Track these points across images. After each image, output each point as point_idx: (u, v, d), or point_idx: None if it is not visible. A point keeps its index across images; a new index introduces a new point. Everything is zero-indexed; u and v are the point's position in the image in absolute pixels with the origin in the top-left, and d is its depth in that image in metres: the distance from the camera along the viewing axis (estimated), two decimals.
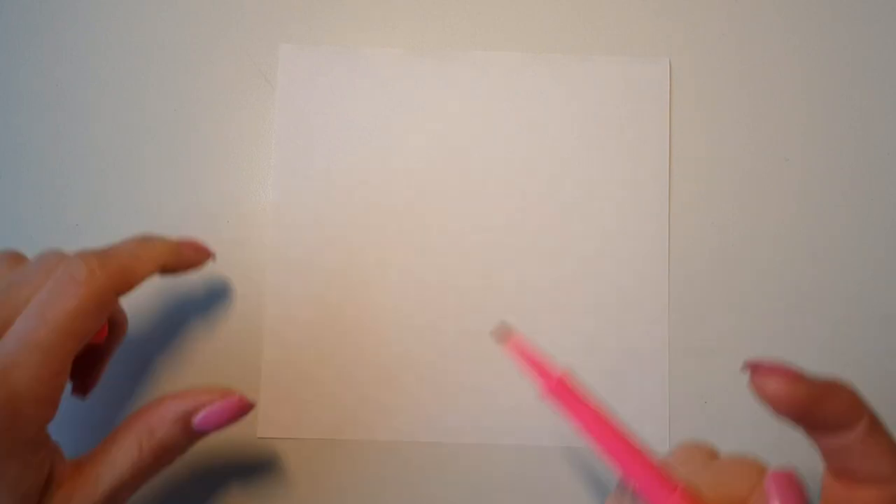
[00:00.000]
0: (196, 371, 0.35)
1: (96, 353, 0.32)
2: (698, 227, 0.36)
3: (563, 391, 0.23)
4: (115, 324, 0.32)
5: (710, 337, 0.35)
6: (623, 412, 0.25)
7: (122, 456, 0.27)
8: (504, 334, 0.25)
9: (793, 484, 0.22)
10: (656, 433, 0.34)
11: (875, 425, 0.22)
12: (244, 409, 0.29)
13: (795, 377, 0.21)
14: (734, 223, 0.36)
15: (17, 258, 0.29)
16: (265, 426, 0.34)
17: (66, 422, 0.30)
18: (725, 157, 0.36)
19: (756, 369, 0.22)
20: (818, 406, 0.21)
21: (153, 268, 0.29)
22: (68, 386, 0.28)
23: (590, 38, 0.37)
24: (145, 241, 0.30)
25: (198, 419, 0.28)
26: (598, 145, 0.36)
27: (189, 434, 0.29)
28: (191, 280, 0.35)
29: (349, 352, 0.35)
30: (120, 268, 0.28)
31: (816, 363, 0.35)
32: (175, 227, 0.36)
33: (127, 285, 0.28)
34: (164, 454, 0.28)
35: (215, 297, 0.35)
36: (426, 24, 0.37)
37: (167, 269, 0.31)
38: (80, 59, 0.37)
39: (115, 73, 0.37)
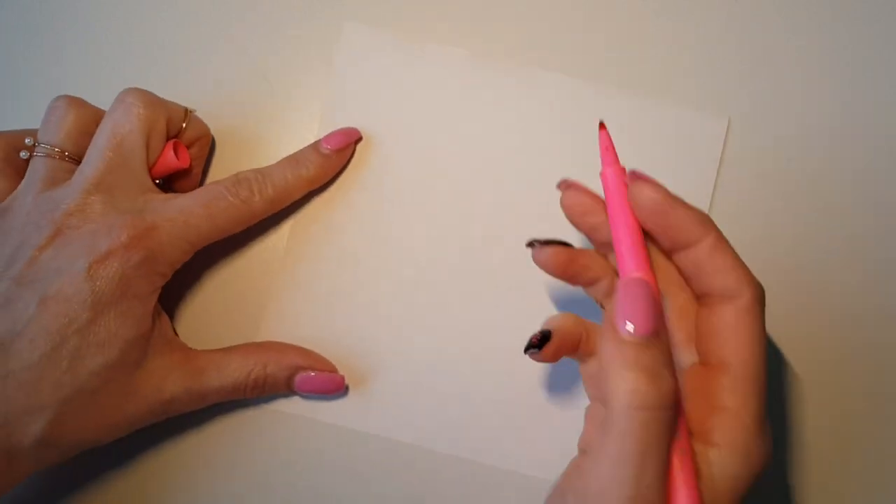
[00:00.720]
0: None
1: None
2: None
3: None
4: (196, 141, 0.35)
5: None
6: None
7: (233, 371, 0.32)
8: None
9: (643, 291, 0.23)
10: None
11: (720, 241, 0.25)
12: (339, 388, 0.34)
13: (658, 184, 0.25)
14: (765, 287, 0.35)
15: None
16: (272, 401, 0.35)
17: None
18: (765, 230, 0.36)
19: (636, 176, 0.26)
20: (674, 211, 0.25)
21: (304, 189, 0.34)
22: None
23: (652, 79, 0.37)
24: (297, 163, 0.34)
25: (300, 377, 0.33)
26: None
27: (289, 385, 0.33)
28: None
29: (357, 344, 0.35)
30: (275, 195, 0.33)
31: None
32: None
33: (278, 207, 0.33)
34: (261, 389, 0.33)
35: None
36: (494, 32, 0.37)
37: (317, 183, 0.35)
38: (80, 58, 0.37)
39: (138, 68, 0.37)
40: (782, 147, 0.36)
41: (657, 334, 0.23)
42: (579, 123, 0.36)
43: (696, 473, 0.23)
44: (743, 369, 0.23)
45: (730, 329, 0.24)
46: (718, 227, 0.26)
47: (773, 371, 0.35)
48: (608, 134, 0.27)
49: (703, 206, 0.36)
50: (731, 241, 0.35)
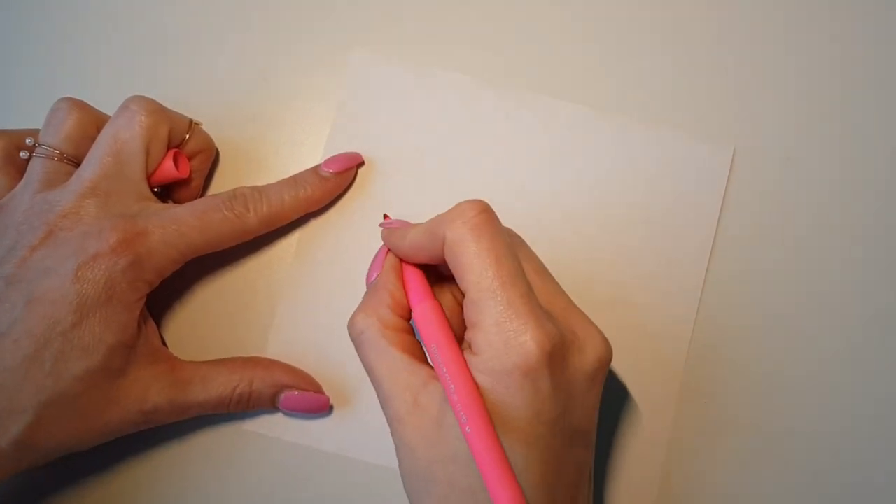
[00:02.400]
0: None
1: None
2: (727, 317, 0.35)
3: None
4: (199, 153, 0.35)
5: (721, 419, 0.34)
6: None
7: (218, 385, 0.32)
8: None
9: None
10: None
11: (417, 235, 0.29)
12: (323, 408, 0.34)
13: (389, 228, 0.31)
14: (765, 316, 0.35)
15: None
16: (252, 419, 0.35)
17: None
18: (769, 255, 0.36)
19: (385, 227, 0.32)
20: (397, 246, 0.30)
21: (301, 211, 0.34)
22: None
23: (658, 108, 0.36)
24: (295, 184, 0.34)
25: (285, 396, 0.33)
26: (644, 216, 0.36)
27: (273, 403, 0.33)
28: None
29: (354, 367, 0.33)
30: (270, 214, 0.33)
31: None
32: None
33: (272, 226, 0.33)
34: (245, 405, 0.33)
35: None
36: (498, 59, 0.37)
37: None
38: (81, 58, 0.37)
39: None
40: (787, 175, 0.36)
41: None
42: (584, 151, 0.36)
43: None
44: (471, 290, 0.26)
45: (453, 267, 0.27)
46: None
47: (785, 388, 0.35)
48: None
49: (709, 234, 0.35)
50: (737, 270, 0.35)
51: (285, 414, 0.34)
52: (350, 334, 0.29)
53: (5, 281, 0.29)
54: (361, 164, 0.36)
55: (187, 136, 0.34)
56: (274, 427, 0.34)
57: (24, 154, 0.32)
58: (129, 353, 0.30)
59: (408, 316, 0.29)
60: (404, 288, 0.29)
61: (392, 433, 0.27)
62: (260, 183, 0.34)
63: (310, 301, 0.35)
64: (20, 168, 0.32)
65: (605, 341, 0.27)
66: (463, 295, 0.27)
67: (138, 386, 0.30)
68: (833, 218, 0.36)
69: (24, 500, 0.34)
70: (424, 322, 0.28)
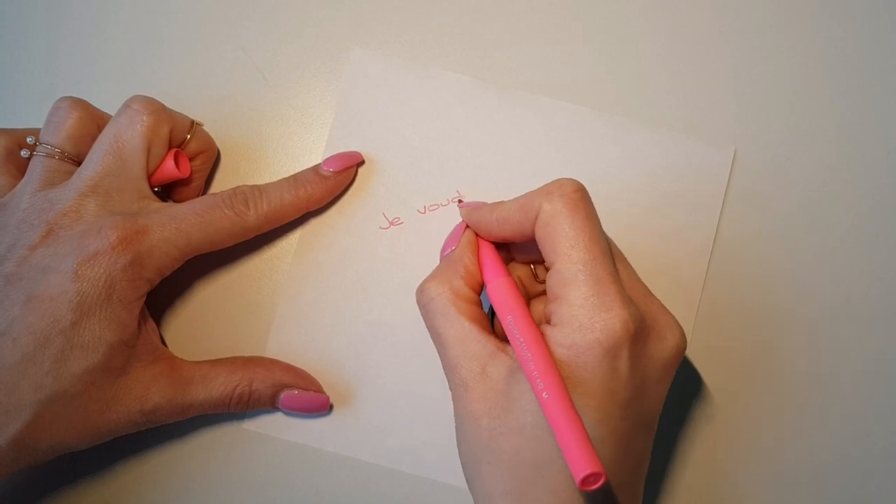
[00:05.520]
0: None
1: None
2: (727, 316, 0.35)
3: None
4: (200, 154, 0.35)
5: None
6: None
7: (219, 385, 0.32)
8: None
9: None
10: None
11: (498, 208, 0.30)
12: (323, 408, 0.34)
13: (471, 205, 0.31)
14: (765, 316, 0.35)
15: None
16: (251, 419, 0.35)
17: None
18: (769, 254, 0.36)
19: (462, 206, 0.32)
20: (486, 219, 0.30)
21: (301, 210, 0.34)
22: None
23: (659, 108, 0.36)
24: (296, 183, 0.34)
25: (285, 395, 0.33)
26: (644, 216, 0.36)
27: (273, 402, 0.33)
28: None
29: (354, 367, 0.35)
30: (270, 212, 0.32)
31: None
32: None
33: (272, 225, 0.33)
34: (245, 405, 0.33)
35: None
36: (499, 59, 0.37)
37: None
38: (83, 59, 0.37)
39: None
40: (787, 175, 0.36)
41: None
42: (584, 151, 0.36)
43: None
44: (562, 262, 0.26)
45: (542, 239, 0.27)
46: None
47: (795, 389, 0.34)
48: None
49: (709, 234, 0.35)
50: (738, 270, 0.35)
51: (285, 413, 0.34)
52: (419, 300, 0.29)
53: (5, 279, 0.29)
54: (361, 163, 0.36)
55: (188, 136, 0.34)
56: (274, 426, 0.34)
57: (25, 153, 0.32)
58: (129, 352, 0.30)
59: (479, 289, 0.29)
60: (479, 263, 0.30)
61: (455, 400, 0.28)
62: (260, 182, 0.34)
63: (310, 300, 0.35)
64: (21, 167, 0.32)
65: (683, 333, 0.28)
66: (535, 276, 0.29)
67: (138, 385, 0.30)
68: (833, 218, 0.36)
69: (23, 500, 0.34)
70: (501, 294, 0.28)
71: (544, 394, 0.24)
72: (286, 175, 0.34)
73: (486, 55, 0.37)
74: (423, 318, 0.29)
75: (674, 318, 0.28)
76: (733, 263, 0.35)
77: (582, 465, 0.23)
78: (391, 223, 0.35)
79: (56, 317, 0.28)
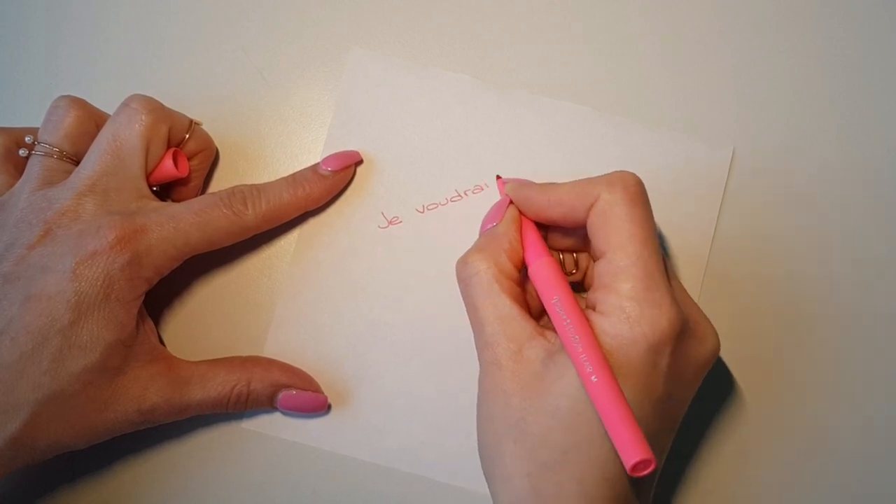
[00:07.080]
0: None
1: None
2: (725, 315, 0.35)
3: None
4: (199, 153, 0.35)
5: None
6: None
7: (217, 385, 0.32)
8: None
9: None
10: None
11: (550, 190, 0.30)
12: (321, 408, 0.34)
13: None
14: (764, 316, 0.35)
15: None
16: (250, 418, 0.35)
17: None
18: (767, 253, 0.35)
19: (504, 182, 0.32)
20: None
21: (300, 209, 0.34)
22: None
23: (658, 108, 0.36)
24: (294, 182, 0.34)
25: (283, 395, 0.33)
26: None
27: (271, 402, 0.33)
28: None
29: (353, 366, 0.35)
30: (268, 211, 0.32)
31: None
32: None
33: (270, 224, 0.33)
34: (243, 405, 0.32)
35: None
36: (498, 59, 0.37)
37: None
38: (83, 59, 0.37)
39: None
40: (786, 175, 0.36)
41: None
42: (584, 151, 0.36)
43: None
44: (615, 252, 0.27)
45: (596, 227, 0.27)
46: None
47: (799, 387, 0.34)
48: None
49: (708, 234, 0.35)
50: (735, 268, 0.35)
51: (284, 413, 0.34)
52: (460, 273, 0.29)
53: (3, 278, 0.29)
54: (360, 162, 0.36)
55: (187, 135, 0.34)
56: (272, 426, 0.34)
57: (23, 152, 0.32)
58: (127, 352, 0.30)
59: (521, 267, 0.29)
60: (522, 241, 0.30)
61: (484, 376, 0.28)
62: (259, 181, 0.34)
63: (309, 300, 0.35)
64: (20, 166, 0.32)
65: (719, 339, 0.28)
66: (576, 264, 0.30)
67: (136, 385, 0.30)
68: (832, 218, 0.36)
69: (22, 500, 0.34)
70: (546, 274, 0.28)
71: (593, 377, 0.24)
72: (285, 174, 0.34)
73: (486, 55, 0.37)
74: (462, 291, 0.29)
75: (712, 324, 0.28)
76: (731, 263, 0.35)
77: (634, 451, 0.23)
78: (390, 223, 0.35)
79: (54, 316, 0.28)
